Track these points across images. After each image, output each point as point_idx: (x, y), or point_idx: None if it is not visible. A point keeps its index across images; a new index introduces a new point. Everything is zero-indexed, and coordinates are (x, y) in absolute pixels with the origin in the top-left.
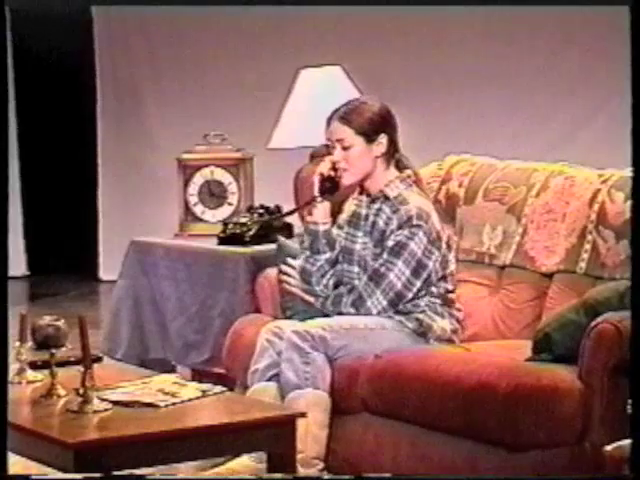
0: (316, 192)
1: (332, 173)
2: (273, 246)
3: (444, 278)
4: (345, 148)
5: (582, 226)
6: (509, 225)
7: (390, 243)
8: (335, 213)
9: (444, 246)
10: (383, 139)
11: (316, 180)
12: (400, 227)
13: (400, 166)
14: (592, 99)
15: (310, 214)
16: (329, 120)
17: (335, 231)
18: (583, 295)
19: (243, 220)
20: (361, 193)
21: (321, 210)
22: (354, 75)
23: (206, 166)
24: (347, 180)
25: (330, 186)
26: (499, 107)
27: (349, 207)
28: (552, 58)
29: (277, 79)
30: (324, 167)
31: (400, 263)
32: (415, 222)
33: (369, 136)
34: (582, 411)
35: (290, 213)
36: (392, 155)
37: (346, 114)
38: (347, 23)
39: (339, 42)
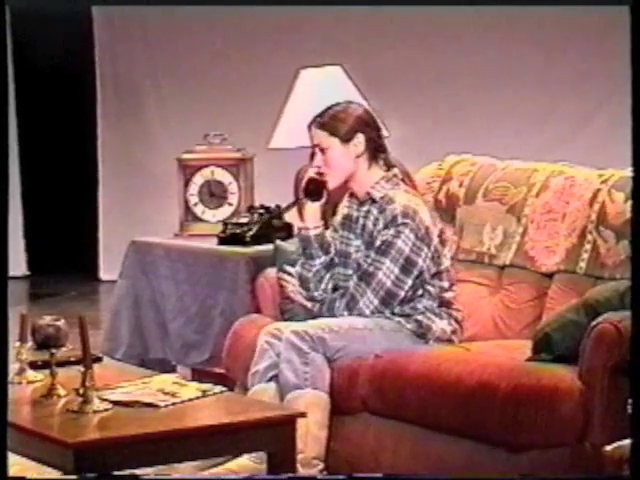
0: (301, 194)
1: (319, 177)
2: (273, 246)
3: (438, 275)
4: (323, 152)
5: (582, 226)
6: (509, 225)
7: (377, 243)
8: (329, 216)
9: (435, 241)
10: (360, 138)
11: (303, 183)
12: (386, 226)
13: (388, 165)
14: (592, 99)
15: (300, 220)
16: (308, 127)
17: (330, 234)
18: (583, 295)
19: (243, 220)
20: (352, 195)
21: (310, 215)
22: (354, 75)
23: (206, 166)
24: (331, 184)
25: (315, 189)
26: (499, 107)
27: (342, 209)
28: (552, 58)
29: (277, 79)
30: (312, 172)
31: (388, 261)
32: (400, 220)
33: (344, 136)
34: (582, 411)
35: (281, 212)
36: (374, 155)
37: (320, 118)
38: (347, 23)
39: (339, 42)
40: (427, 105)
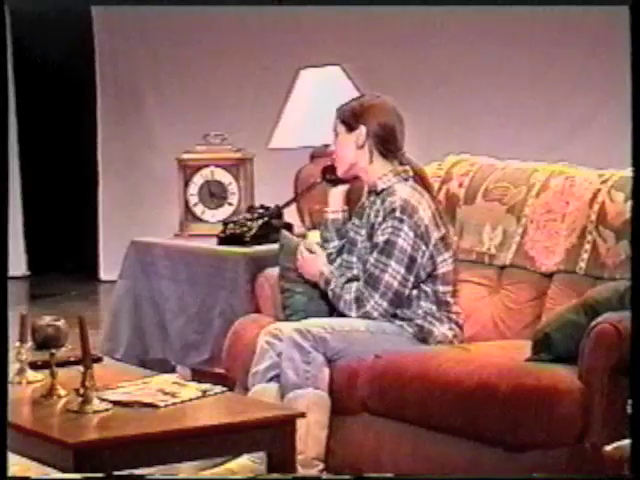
0: (320, 178)
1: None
2: (273, 246)
3: (434, 277)
4: (336, 138)
5: (582, 226)
6: (509, 225)
7: (378, 240)
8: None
9: (433, 242)
10: (362, 130)
11: (322, 168)
12: (384, 218)
13: (401, 163)
14: (592, 99)
15: (300, 219)
16: None
17: (350, 222)
18: (583, 295)
19: (243, 220)
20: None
21: (332, 199)
22: (354, 75)
23: (206, 166)
24: (338, 170)
25: (330, 175)
26: (499, 107)
27: (362, 199)
28: (552, 58)
29: (277, 79)
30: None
31: (393, 263)
32: (398, 215)
33: (349, 125)
34: (582, 411)
35: (290, 202)
36: (380, 149)
37: (341, 106)
38: (347, 23)
39: (339, 42)
40: (427, 105)
